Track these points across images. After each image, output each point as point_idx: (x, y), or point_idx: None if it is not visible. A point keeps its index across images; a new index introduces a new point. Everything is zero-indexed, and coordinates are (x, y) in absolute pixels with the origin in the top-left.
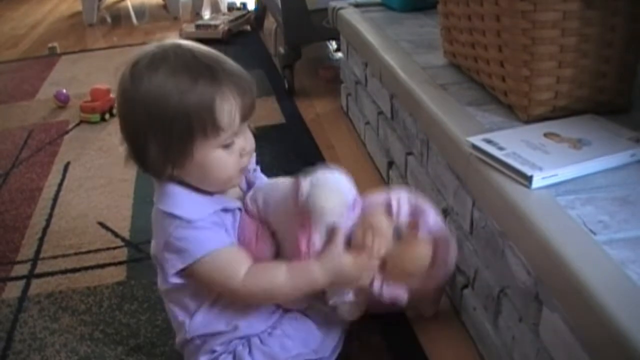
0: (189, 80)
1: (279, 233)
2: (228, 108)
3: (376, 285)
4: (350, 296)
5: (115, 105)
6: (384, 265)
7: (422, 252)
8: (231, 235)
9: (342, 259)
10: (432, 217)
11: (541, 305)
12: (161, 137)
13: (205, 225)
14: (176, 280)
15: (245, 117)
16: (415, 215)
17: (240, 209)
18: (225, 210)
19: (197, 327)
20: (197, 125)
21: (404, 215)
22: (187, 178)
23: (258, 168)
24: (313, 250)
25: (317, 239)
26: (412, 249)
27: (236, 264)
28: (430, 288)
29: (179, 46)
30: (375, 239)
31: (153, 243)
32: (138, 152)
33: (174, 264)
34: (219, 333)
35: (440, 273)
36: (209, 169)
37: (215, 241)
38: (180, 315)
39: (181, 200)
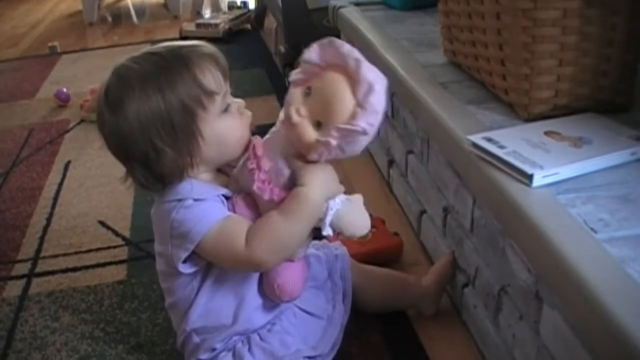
0: (164, 77)
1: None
2: (209, 74)
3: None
4: (341, 198)
5: (106, 143)
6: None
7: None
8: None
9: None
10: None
11: (541, 304)
12: (167, 137)
13: (203, 200)
14: (189, 269)
15: (225, 75)
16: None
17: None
18: (225, 197)
19: (197, 318)
20: (193, 102)
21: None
22: (207, 160)
23: None
24: (269, 175)
25: (265, 164)
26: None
27: (237, 231)
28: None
29: (134, 58)
30: (286, 107)
31: (156, 241)
32: (151, 168)
33: (183, 250)
34: (218, 328)
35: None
36: (223, 137)
37: (213, 213)
38: (181, 307)
39: (183, 187)
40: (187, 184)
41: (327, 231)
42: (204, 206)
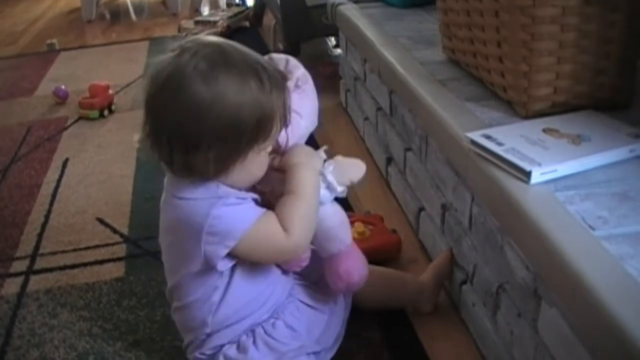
0: (261, 90)
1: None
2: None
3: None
4: (328, 163)
5: (157, 108)
6: None
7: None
8: None
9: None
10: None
11: (540, 301)
12: (226, 145)
13: (245, 199)
14: (226, 265)
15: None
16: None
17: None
18: (255, 201)
19: (220, 321)
20: (264, 132)
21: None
22: (227, 180)
23: None
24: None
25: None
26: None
27: (275, 223)
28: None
29: (237, 50)
30: None
31: (173, 238)
32: (189, 154)
33: (223, 247)
34: (227, 326)
35: None
36: (253, 171)
37: (253, 211)
38: (201, 312)
39: (213, 187)
40: (214, 184)
41: (341, 190)
42: (244, 205)
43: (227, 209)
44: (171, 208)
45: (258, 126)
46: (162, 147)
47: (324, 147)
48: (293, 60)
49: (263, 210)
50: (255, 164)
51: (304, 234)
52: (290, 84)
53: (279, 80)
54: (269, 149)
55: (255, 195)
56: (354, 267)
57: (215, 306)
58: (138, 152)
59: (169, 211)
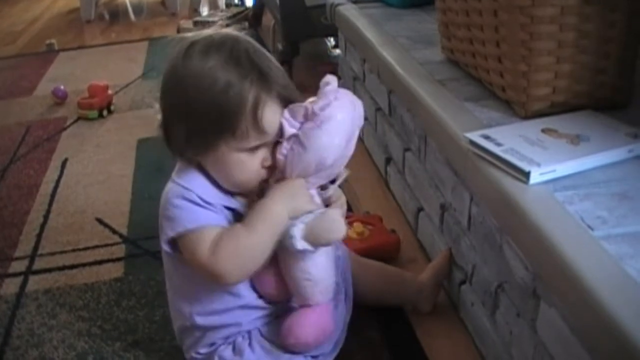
0: (238, 77)
1: None
2: (272, 117)
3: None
4: (315, 213)
5: (171, 75)
6: None
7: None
8: None
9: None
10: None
11: (539, 301)
12: (192, 122)
13: (204, 205)
14: (167, 248)
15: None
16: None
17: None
18: (229, 208)
19: (199, 316)
20: (230, 124)
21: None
22: (205, 167)
23: None
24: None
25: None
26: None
27: (206, 239)
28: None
29: (237, 40)
30: None
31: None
32: (166, 127)
33: (166, 231)
34: (221, 326)
35: None
36: (227, 168)
37: (205, 217)
38: (180, 302)
39: (196, 181)
40: (196, 176)
41: (301, 245)
42: (202, 209)
43: (185, 203)
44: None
45: (219, 115)
46: (162, 122)
47: (344, 175)
48: (335, 94)
49: (215, 223)
50: (230, 163)
51: (230, 266)
52: (314, 107)
53: (259, 83)
54: (259, 154)
55: (231, 202)
56: (299, 328)
57: (189, 298)
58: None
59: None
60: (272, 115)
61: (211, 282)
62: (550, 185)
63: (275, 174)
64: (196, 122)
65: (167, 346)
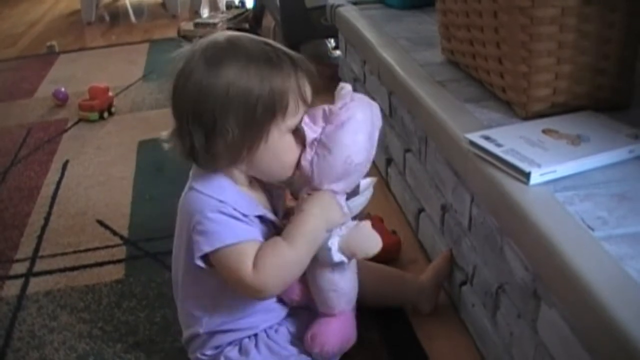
0: (270, 57)
1: None
2: (307, 88)
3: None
4: (348, 225)
5: (176, 96)
6: None
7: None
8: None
9: (321, 193)
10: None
11: (539, 302)
12: (242, 119)
13: (241, 218)
14: (201, 263)
15: (310, 97)
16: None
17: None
18: (261, 218)
19: (215, 325)
20: (280, 103)
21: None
22: (254, 167)
23: None
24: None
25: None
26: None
27: (249, 254)
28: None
29: (237, 36)
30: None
31: (176, 228)
32: (209, 139)
33: (201, 247)
34: (230, 330)
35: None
36: (280, 153)
37: (242, 231)
38: (197, 311)
39: (225, 191)
40: (227, 184)
41: (338, 257)
42: (239, 223)
43: (221, 217)
44: (184, 197)
45: (271, 97)
46: (185, 136)
47: (373, 180)
48: (352, 96)
49: (253, 237)
50: (280, 146)
51: (273, 281)
52: (334, 109)
53: (290, 60)
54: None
55: (270, 216)
56: (324, 337)
57: (209, 308)
58: (167, 146)
59: (182, 201)
60: (307, 89)
61: (243, 294)
62: (550, 186)
63: (298, 181)
64: (248, 117)
65: (168, 347)
